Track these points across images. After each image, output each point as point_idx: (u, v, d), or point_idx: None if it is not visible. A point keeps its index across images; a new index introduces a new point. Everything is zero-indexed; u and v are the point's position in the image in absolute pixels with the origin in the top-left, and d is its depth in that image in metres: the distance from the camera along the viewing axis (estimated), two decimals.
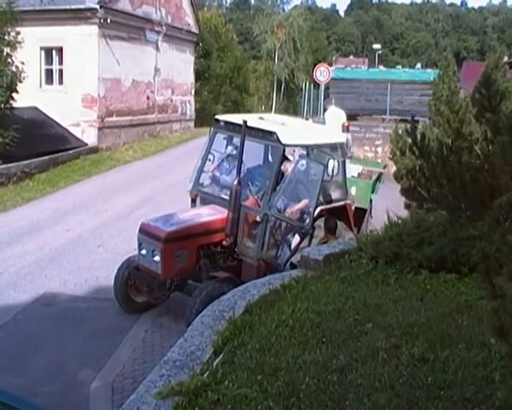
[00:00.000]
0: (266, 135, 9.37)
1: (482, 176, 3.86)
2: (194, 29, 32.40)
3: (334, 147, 10.34)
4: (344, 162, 10.47)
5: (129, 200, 16.23)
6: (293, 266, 8.75)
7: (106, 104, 24.06)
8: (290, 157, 10.00)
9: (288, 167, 9.50)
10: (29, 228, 13.66)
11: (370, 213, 13.08)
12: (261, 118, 10.34)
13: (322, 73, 28.46)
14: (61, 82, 23.84)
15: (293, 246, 9.34)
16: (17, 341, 8.45)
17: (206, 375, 4.67)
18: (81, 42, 22.90)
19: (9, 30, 18.10)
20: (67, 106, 22.82)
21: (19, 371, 7.53)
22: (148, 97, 27.65)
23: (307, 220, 9.22)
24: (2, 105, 17.89)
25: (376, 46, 74.80)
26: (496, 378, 4.30)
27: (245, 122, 9.08)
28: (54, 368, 7.75)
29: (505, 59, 19.88)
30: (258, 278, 7.97)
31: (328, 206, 9.89)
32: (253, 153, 10.25)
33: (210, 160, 10.43)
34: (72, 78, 23.22)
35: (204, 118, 31.61)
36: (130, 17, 25.38)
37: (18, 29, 18.30)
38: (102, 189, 17.94)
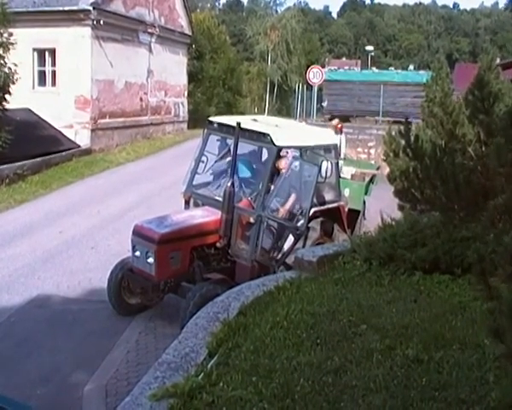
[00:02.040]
0: (260, 137, 9.38)
1: (475, 177, 3.87)
2: (187, 31, 32.40)
3: (327, 148, 10.36)
4: (337, 164, 10.50)
5: (122, 202, 16.20)
6: (288, 267, 8.76)
7: (99, 106, 24.03)
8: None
9: (282, 165, 9.50)
10: (22, 230, 13.61)
11: (364, 214, 13.10)
12: (254, 120, 10.35)
13: (315, 75, 28.50)
14: (53, 83, 23.82)
15: (287, 247, 9.35)
16: (10, 343, 8.42)
17: (200, 377, 4.67)
18: (74, 43, 22.89)
19: (2, 31, 18.06)
20: (60, 107, 22.81)
21: (12, 374, 7.50)
22: (141, 99, 27.64)
23: (301, 221, 9.23)
24: None
25: (369, 48, 75.06)
26: (490, 379, 4.31)
27: (238, 124, 9.09)
28: (47, 370, 7.72)
29: (497, 61, 19.95)
30: (252, 279, 7.96)
31: (322, 207, 9.90)
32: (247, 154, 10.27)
33: (203, 161, 10.43)
34: (65, 79, 23.20)
35: (197, 119, 31.60)
36: (124, 19, 25.37)
37: (11, 30, 18.25)
38: (95, 190, 17.91)
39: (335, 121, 17.79)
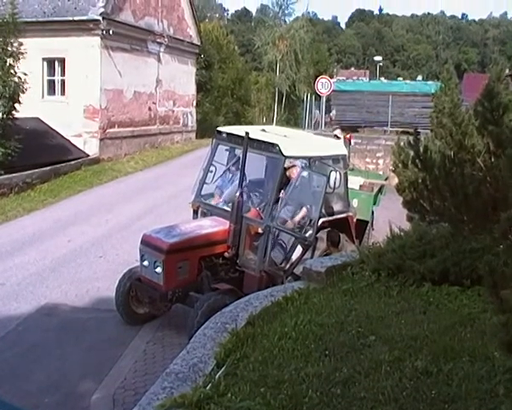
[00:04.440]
0: (268, 147, 9.38)
1: (485, 188, 3.86)
2: (196, 40, 32.51)
3: (336, 159, 10.36)
4: (346, 174, 10.48)
5: (130, 211, 16.23)
6: (296, 278, 8.74)
7: (108, 115, 24.12)
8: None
9: (293, 173, 9.50)
10: (30, 238, 13.66)
11: (372, 225, 13.08)
12: (263, 130, 10.35)
13: (324, 85, 28.56)
14: (63, 93, 23.94)
15: (295, 257, 9.34)
16: (18, 351, 8.43)
17: (208, 387, 4.65)
18: (83, 53, 22.99)
19: (12, 41, 18.19)
20: (69, 117, 22.91)
21: (20, 382, 7.50)
22: (149, 108, 27.72)
23: (310, 232, 9.22)
24: (5, 115, 17.99)
25: (377, 58, 74.98)
26: (500, 392, 4.27)
27: (247, 134, 9.10)
28: (55, 379, 7.73)
29: (506, 71, 19.93)
30: (260, 289, 7.95)
31: (330, 218, 9.89)
32: (255, 165, 10.26)
33: (212, 171, 10.44)
34: (75, 89, 23.31)
35: (205, 129, 31.68)
36: (133, 29, 25.49)
37: (21, 40, 18.39)
38: (104, 199, 17.95)
39: (338, 131, 17.82)
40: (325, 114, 31.96)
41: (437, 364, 4.76)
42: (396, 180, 9.15)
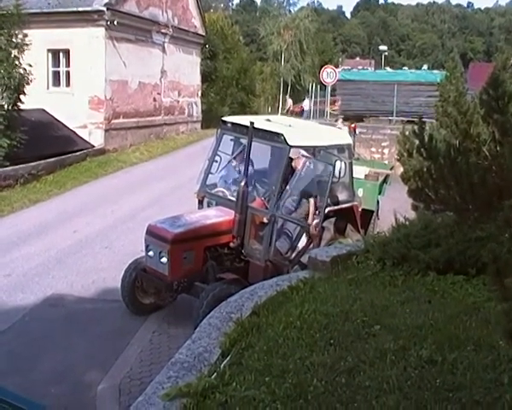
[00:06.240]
0: (273, 136, 9.36)
1: (490, 177, 3.84)
2: (201, 31, 32.44)
3: (341, 148, 10.34)
4: (351, 164, 10.46)
5: (136, 201, 16.25)
6: (302, 267, 8.74)
7: (112, 106, 24.12)
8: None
9: (298, 163, 9.48)
10: (36, 230, 13.69)
11: (377, 214, 13.07)
12: (268, 120, 10.34)
13: (329, 75, 28.50)
14: (68, 84, 23.96)
15: (300, 247, 9.34)
16: (25, 342, 8.47)
17: (213, 377, 4.66)
18: (88, 44, 23.00)
19: (17, 32, 18.19)
20: (74, 108, 22.92)
21: (26, 372, 7.54)
22: (154, 99, 27.70)
23: (316, 221, 9.21)
24: (10, 107, 18.00)
25: (383, 47, 74.84)
26: (505, 381, 4.27)
27: (252, 124, 9.08)
28: (61, 369, 7.76)
29: None
30: (265, 279, 7.94)
31: (336, 207, 9.88)
32: (260, 154, 10.25)
33: (217, 161, 10.44)
34: (79, 80, 23.32)
35: (210, 119, 31.65)
36: (137, 19, 25.45)
37: (25, 31, 18.39)
38: (109, 190, 17.98)
39: (339, 122, 17.80)
40: (330, 103, 31.86)
41: (442, 353, 4.76)
42: (401, 169, 9.14)
